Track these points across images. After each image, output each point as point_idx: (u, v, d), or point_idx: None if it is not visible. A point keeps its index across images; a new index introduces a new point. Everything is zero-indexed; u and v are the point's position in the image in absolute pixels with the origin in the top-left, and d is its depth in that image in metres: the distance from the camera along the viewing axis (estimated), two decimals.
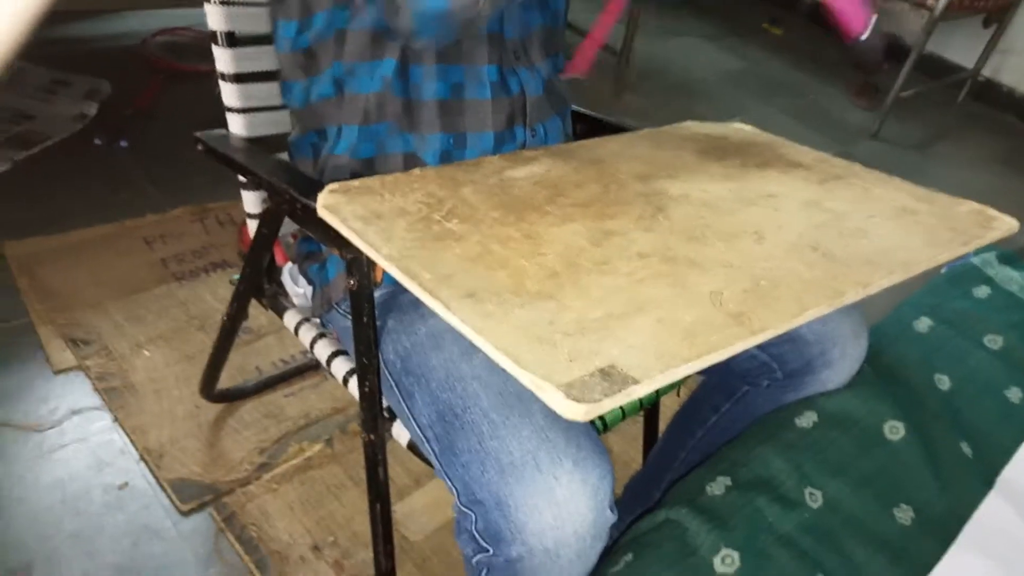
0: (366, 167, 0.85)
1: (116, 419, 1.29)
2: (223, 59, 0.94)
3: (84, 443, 1.25)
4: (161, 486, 1.20)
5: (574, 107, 1.05)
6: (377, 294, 0.83)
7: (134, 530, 1.13)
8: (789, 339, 0.86)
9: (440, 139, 0.84)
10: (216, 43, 0.93)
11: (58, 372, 1.37)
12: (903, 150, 2.91)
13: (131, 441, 1.26)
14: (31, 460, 1.21)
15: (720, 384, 0.98)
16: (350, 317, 0.79)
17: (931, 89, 3.16)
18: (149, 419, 1.30)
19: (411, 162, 0.84)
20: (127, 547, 1.11)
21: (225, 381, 1.33)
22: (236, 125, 0.98)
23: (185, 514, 1.17)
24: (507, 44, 0.85)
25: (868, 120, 3.00)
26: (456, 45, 0.81)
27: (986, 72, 3.36)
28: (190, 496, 1.19)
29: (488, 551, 0.66)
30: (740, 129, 1.00)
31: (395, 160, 0.84)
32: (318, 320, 1.00)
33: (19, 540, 1.09)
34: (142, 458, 1.24)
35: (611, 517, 0.68)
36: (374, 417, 0.83)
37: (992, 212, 0.78)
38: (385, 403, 0.85)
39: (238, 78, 0.95)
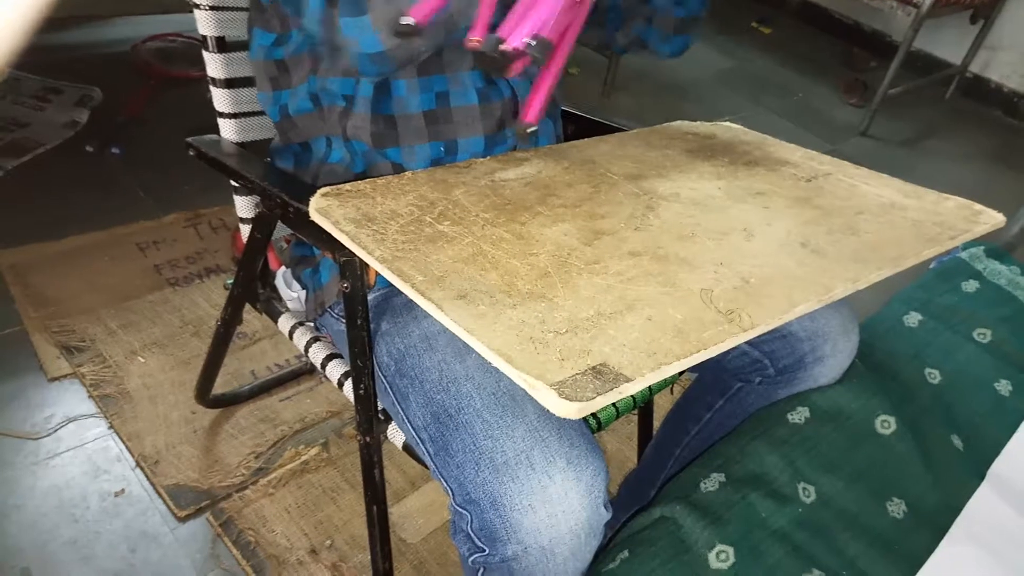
0: (359, 177, 0.85)
1: (111, 426, 1.29)
2: (214, 64, 0.94)
3: (80, 450, 1.25)
4: (157, 492, 1.20)
5: (564, 108, 1.05)
6: (370, 297, 0.83)
7: (131, 536, 1.13)
8: (780, 335, 0.87)
9: (430, 147, 0.84)
10: (207, 48, 0.93)
11: (52, 379, 1.36)
12: (892, 147, 2.92)
13: (127, 448, 1.26)
14: (27, 467, 1.21)
15: (713, 381, 0.99)
16: (344, 320, 0.80)
17: (919, 86, 3.18)
18: (144, 425, 1.30)
19: (401, 171, 0.84)
20: (124, 553, 1.11)
21: (220, 386, 1.33)
22: (228, 130, 0.98)
23: (182, 520, 1.17)
24: None
25: (857, 117, 3.02)
26: (437, 56, 0.81)
27: (974, 68, 3.38)
28: (187, 502, 1.19)
29: (484, 550, 0.67)
30: (729, 128, 1.01)
31: (385, 170, 0.84)
32: (312, 324, 1.00)
33: (16, 547, 1.09)
34: (138, 464, 1.24)
35: (605, 514, 0.68)
36: (369, 420, 0.84)
37: (978, 207, 0.79)
38: (380, 405, 0.85)
39: (229, 83, 0.96)
